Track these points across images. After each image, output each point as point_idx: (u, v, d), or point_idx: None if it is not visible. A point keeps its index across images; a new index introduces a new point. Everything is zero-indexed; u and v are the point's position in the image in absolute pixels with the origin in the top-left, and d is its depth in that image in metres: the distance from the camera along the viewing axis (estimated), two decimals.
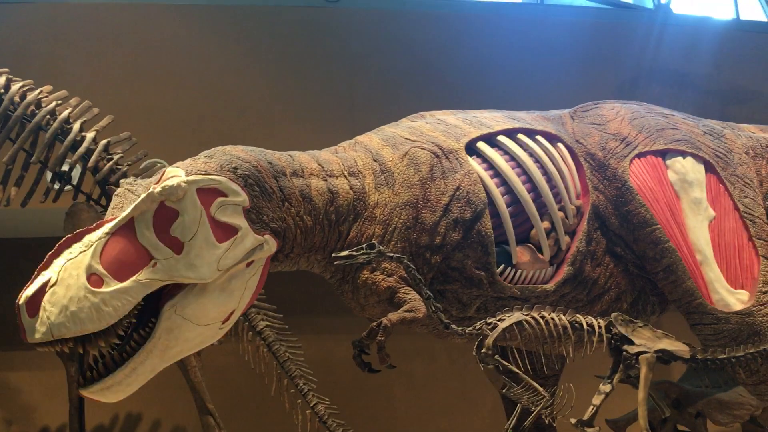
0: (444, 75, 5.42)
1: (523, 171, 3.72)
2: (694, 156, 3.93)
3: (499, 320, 3.36)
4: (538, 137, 3.86)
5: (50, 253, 2.97)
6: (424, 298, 3.33)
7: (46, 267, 2.93)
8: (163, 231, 2.95)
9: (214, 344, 4.42)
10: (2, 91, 4.12)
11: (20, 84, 4.18)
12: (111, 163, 4.18)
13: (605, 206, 3.83)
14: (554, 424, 3.51)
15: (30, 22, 5.07)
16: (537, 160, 3.77)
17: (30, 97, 4.15)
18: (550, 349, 3.44)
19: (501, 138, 3.79)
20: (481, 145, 3.74)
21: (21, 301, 2.85)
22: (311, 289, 4.88)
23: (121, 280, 2.85)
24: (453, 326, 3.35)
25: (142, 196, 2.99)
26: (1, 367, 5.31)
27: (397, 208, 3.48)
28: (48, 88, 4.26)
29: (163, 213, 2.97)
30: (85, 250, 2.89)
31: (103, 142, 4.20)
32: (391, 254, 3.28)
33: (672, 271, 3.76)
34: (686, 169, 3.90)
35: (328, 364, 5.03)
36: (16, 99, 4.13)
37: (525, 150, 3.78)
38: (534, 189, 3.70)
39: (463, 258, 3.54)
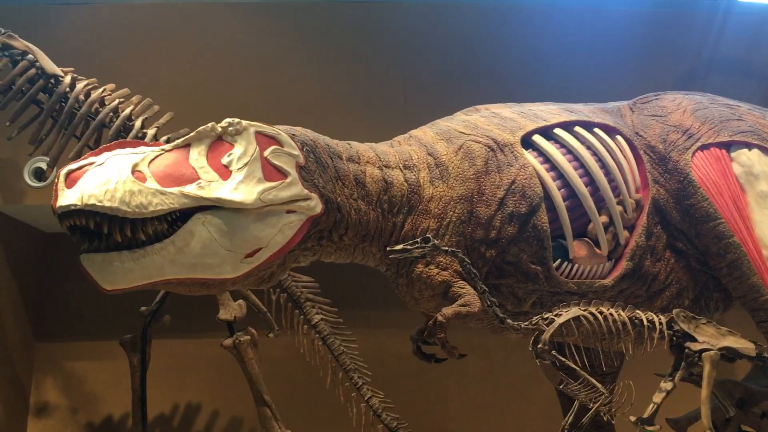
0: (499, 68, 5.35)
1: (581, 164, 3.66)
2: (761, 148, 3.81)
3: (556, 315, 3.31)
4: (596, 130, 3.79)
5: (103, 146, 3.04)
6: (479, 293, 3.31)
7: (95, 154, 2.97)
8: (215, 159, 3.01)
9: (269, 336, 4.53)
10: (68, 89, 4.26)
11: (85, 83, 4.32)
12: None
13: (666, 200, 3.74)
14: (613, 422, 3.44)
15: (92, 22, 5.22)
16: (595, 153, 3.71)
17: (94, 95, 4.28)
18: (608, 345, 3.38)
19: (557, 131, 3.74)
20: (537, 139, 3.69)
21: (63, 171, 2.85)
22: (365, 283, 4.90)
23: (164, 186, 2.87)
24: (509, 321, 3.32)
25: (205, 126, 3.08)
26: (66, 357, 5.50)
27: (452, 202, 3.47)
28: (111, 86, 4.39)
29: (219, 145, 3.06)
30: (137, 154, 2.96)
31: (164, 138, 4.30)
32: (446, 248, 3.27)
33: (737, 267, 3.65)
34: (752, 161, 3.78)
35: (382, 358, 5.05)
36: (81, 97, 4.27)
37: (582, 143, 3.72)
38: (591, 182, 3.64)
39: (518, 252, 3.51)
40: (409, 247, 3.16)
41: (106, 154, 2.95)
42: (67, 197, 2.77)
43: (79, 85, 4.28)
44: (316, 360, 4.47)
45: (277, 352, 4.84)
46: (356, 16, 5.45)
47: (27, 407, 5.37)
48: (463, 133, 3.65)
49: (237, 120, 3.09)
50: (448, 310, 3.28)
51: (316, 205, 3.15)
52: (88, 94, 4.29)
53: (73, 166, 2.89)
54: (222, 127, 3.07)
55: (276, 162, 3.09)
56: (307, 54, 5.34)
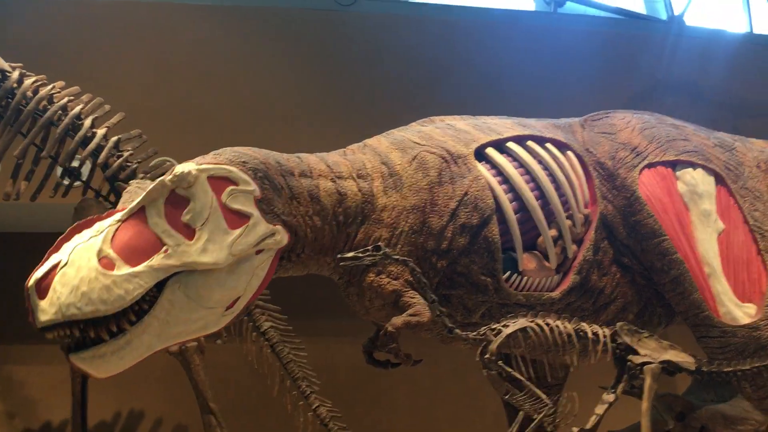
0: (456, 81, 5.42)
1: (532, 178, 3.71)
2: (705, 168, 3.91)
3: (503, 326, 3.35)
4: (548, 145, 3.85)
5: (61, 237, 2.96)
6: (429, 302, 3.32)
7: (56, 250, 2.91)
8: (175, 218, 2.94)
9: (217, 342, 4.46)
10: (15, 85, 4.15)
11: (33, 79, 4.21)
12: (121, 160, 4.21)
13: (614, 216, 3.81)
14: None
15: (42, 18, 5.11)
16: (546, 168, 3.76)
17: (42, 92, 4.18)
18: (554, 357, 3.43)
19: (510, 144, 3.78)
20: (491, 151, 3.73)
21: (30, 283, 2.81)
22: (316, 291, 4.88)
23: (133, 266, 2.82)
24: (457, 331, 3.35)
25: (153, 184, 3.00)
26: (5, 360, 5.33)
27: (405, 212, 3.48)
28: (60, 83, 4.29)
29: (174, 200, 2.97)
30: (96, 236, 2.88)
31: (114, 138, 4.22)
32: (397, 257, 3.28)
33: (679, 283, 3.73)
34: (696, 180, 3.88)
35: (331, 367, 5.03)
36: (29, 94, 4.16)
37: (534, 157, 3.77)
38: (542, 196, 3.69)
39: (469, 263, 3.53)
40: (360, 255, 3.17)
41: (66, 247, 2.88)
42: (45, 311, 2.74)
43: (27, 81, 4.17)
44: (265, 368, 4.42)
45: (225, 358, 4.78)
46: (316, 23, 5.46)
47: None
48: (417, 143, 3.67)
49: (186, 171, 2.97)
50: (398, 320, 3.29)
51: (282, 237, 3.14)
52: (36, 91, 4.19)
53: (40, 273, 2.82)
54: (172, 182, 2.95)
55: (235, 206, 3.03)
56: (263, 60, 5.33)
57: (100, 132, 4.21)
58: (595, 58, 5.69)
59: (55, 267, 2.82)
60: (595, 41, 5.76)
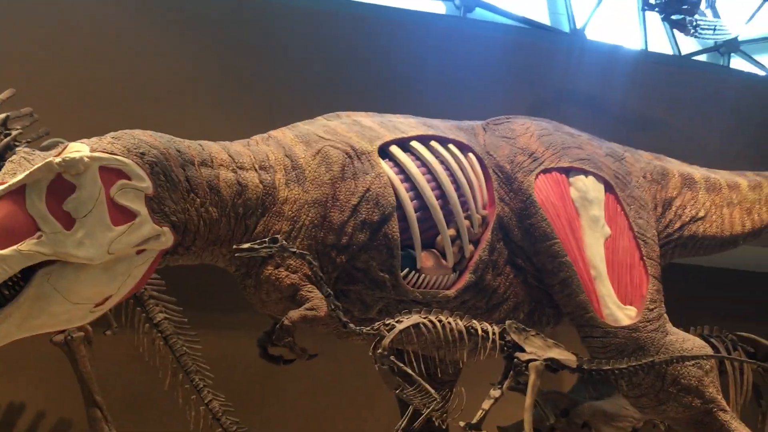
0: (364, 77, 5.44)
1: (433, 177, 3.77)
2: (596, 176, 4.08)
3: (397, 322, 3.39)
4: (451, 146, 3.92)
5: None
6: (324, 296, 3.32)
7: None
8: (56, 204, 2.79)
9: (107, 334, 4.30)
10: None
11: None
12: (8, 138, 3.99)
13: (510, 218, 3.92)
14: (444, 426, 3.55)
15: None
16: (447, 168, 3.83)
17: None
18: (445, 353, 3.49)
19: (414, 143, 3.83)
20: (394, 149, 3.77)
21: None
22: (212, 283, 4.79)
23: (0, 248, 2.67)
24: (351, 325, 3.36)
25: (39, 164, 2.81)
26: None
27: (306, 206, 3.47)
28: None
29: (59, 185, 2.82)
30: None
31: (2, 116, 4.00)
32: (294, 249, 3.26)
33: (567, 285, 3.88)
34: (587, 187, 4.05)
35: (227, 361, 4.95)
36: None
37: (437, 157, 3.84)
38: (443, 196, 3.76)
39: (368, 259, 3.56)
40: (256, 246, 3.13)
41: None
42: None
43: None
44: (156, 360, 4.30)
45: (114, 350, 4.61)
46: (224, 9, 5.34)
47: None
48: (322, 137, 3.66)
49: (77, 157, 2.82)
50: (295, 314, 3.28)
51: (168, 239, 3.05)
52: None
53: None
54: (60, 165, 2.79)
55: (123, 202, 2.91)
56: (167, 43, 5.16)
57: None
58: (501, 64, 5.85)
59: None
60: (502, 48, 5.92)
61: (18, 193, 2.77)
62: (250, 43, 5.33)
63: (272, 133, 3.75)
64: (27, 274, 2.78)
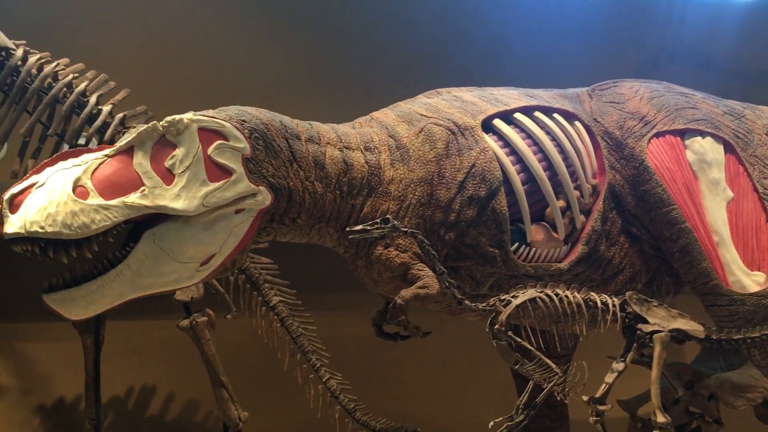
0: (461, 52, 5.37)
1: (540, 149, 3.70)
2: (714, 136, 3.89)
3: (512, 297, 3.36)
4: (555, 115, 3.83)
5: (45, 161, 3.04)
6: (437, 274, 3.33)
7: (37, 172, 2.98)
8: (159, 162, 2.99)
9: (227, 318, 4.50)
10: (20, 63, 4.12)
11: (37, 56, 4.18)
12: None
13: (622, 186, 3.80)
14: (566, 401, 3.50)
15: None
16: (553, 138, 3.75)
17: (47, 69, 4.16)
18: (563, 327, 3.44)
19: (517, 115, 3.77)
20: (498, 123, 3.72)
21: (6, 197, 2.89)
22: (324, 265, 4.88)
23: (106, 199, 2.88)
24: (466, 302, 3.36)
25: (146, 126, 3.05)
26: (18, 338, 5.38)
27: (412, 185, 3.48)
28: (65, 60, 4.26)
29: (162, 145, 3.02)
30: (79, 165, 2.96)
31: (119, 115, 4.20)
32: (406, 229, 3.28)
33: (688, 252, 3.73)
34: (705, 149, 3.86)
35: (340, 340, 5.05)
36: (33, 71, 4.14)
37: (541, 128, 3.76)
38: (550, 167, 3.68)
39: (477, 235, 3.54)
40: (368, 227, 3.17)
41: (48, 171, 2.94)
42: (12, 224, 2.83)
43: (32, 59, 4.15)
44: (274, 342, 4.45)
45: (235, 333, 4.80)
46: None
47: None
48: (424, 115, 3.65)
49: (178, 118, 3.03)
50: (407, 292, 3.30)
51: (264, 198, 3.14)
52: (40, 68, 4.16)
53: (16, 189, 2.91)
54: (164, 127, 3.02)
55: (220, 160, 3.06)
56: (268, 33, 5.28)
57: (106, 109, 4.18)
58: (602, 26, 5.62)
59: (31, 186, 2.89)
60: (602, 9, 5.69)
61: (127, 152, 3.00)
62: (344, 26, 5.37)
63: (374, 114, 3.78)
64: (135, 237, 2.98)
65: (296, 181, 3.27)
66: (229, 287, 4.49)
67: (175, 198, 2.93)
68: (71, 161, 2.98)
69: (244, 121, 3.19)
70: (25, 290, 5.37)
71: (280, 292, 4.51)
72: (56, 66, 4.20)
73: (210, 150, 3.05)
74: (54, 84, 4.16)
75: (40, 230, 2.78)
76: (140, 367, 5.35)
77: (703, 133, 3.88)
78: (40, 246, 2.82)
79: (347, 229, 3.26)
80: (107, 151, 3.01)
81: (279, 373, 4.46)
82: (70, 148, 4.24)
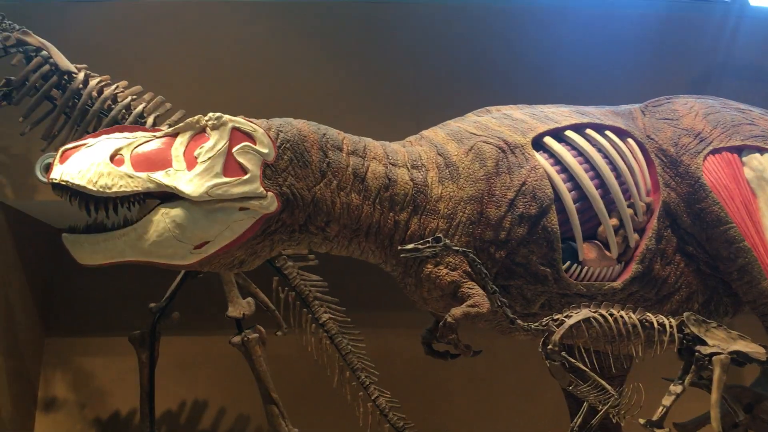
0: (510, 69, 5.35)
1: (591, 167, 3.66)
2: None
3: (566, 317, 3.31)
4: (608, 132, 3.79)
5: (105, 129, 3.40)
6: (489, 293, 3.31)
7: (94, 136, 3.26)
8: (191, 150, 3.20)
9: (278, 334, 4.55)
10: (81, 86, 4.28)
11: (98, 79, 4.34)
12: None
13: (677, 204, 3.73)
14: (622, 424, 3.43)
15: (105, 19, 5.24)
16: (606, 156, 3.70)
17: (107, 92, 4.31)
18: (618, 348, 3.37)
19: (568, 133, 3.74)
20: (548, 140, 3.69)
21: (61, 149, 3.19)
22: (373, 283, 4.91)
23: (136, 170, 3.10)
24: (519, 321, 3.32)
25: (191, 118, 3.27)
26: (75, 352, 5.52)
27: (462, 203, 3.47)
28: (123, 83, 4.41)
29: (200, 137, 3.23)
30: (128, 138, 3.21)
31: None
32: (457, 248, 3.27)
33: (747, 272, 3.64)
34: (764, 166, 3.77)
35: (389, 358, 5.05)
36: (94, 94, 4.29)
37: (593, 145, 3.72)
38: (602, 185, 3.64)
39: (528, 254, 3.51)
40: (420, 246, 3.17)
41: (102, 137, 3.23)
42: (55, 171, 3.12)
43: (92, 82, 4.31)
44: (324, 359, 4.48)
45: (285, 350, 4.85)
46: (368, 15, 5.46)
47: (35, 402, 5.40)
48: (474, 134, 3.65)
49: (219, 114, 3.24)
50: (457, 311, 3.29)
51: (270, 204, 3.21)
52: (101, 91, 4.31)
53: (70, 145, 3.21)
54: (206, 120, 3.24)
55: (240, 159, 3.20)
56: (318, 54, 5.36)
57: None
58: (654, 41, 5.54)
59: (82, 145, 3.18)
60: (654, 24, 5.61)
61: (172, 136, 3.25)
62: (394, 46, 5.41)
63: (424, 132, 3.79)
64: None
65: (325, 191, 3.32)
66: (279, 304, 4.54)
67: (188, 182, 3.11)
68: (126, 133, 3.25)
69: (281, 131, 3.31)
70: (83, 307, 5.54)
71: (329, 309, 4.55)
72: (115, 88, 4.35)
73: (235, 148, 3.20)
74: (113, 106, 4.30)
75: (70, 181, 3.06)
76: (193, 382, 5.43)
77: (761, 150, 3.80)
78: (68, 195, 3.10)
79: (399, 248, 3.26)
80: (158, 133, 3.26)
81: (328, 390, 4.48)
82: None
